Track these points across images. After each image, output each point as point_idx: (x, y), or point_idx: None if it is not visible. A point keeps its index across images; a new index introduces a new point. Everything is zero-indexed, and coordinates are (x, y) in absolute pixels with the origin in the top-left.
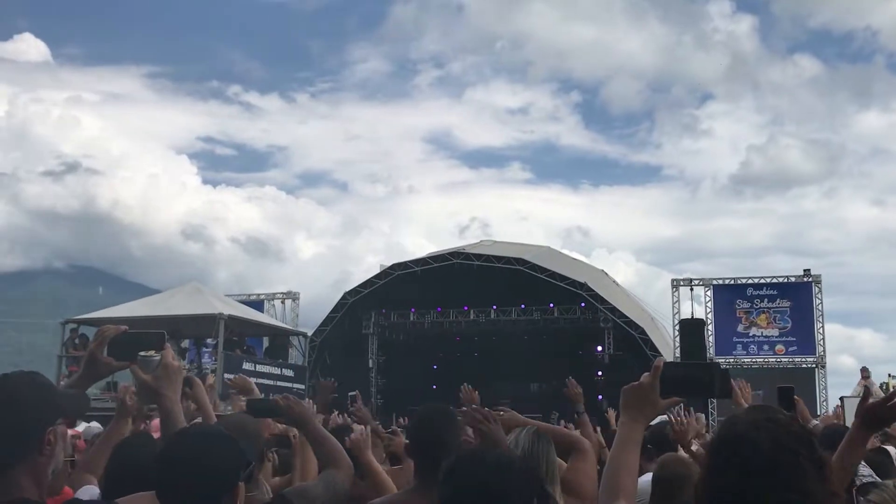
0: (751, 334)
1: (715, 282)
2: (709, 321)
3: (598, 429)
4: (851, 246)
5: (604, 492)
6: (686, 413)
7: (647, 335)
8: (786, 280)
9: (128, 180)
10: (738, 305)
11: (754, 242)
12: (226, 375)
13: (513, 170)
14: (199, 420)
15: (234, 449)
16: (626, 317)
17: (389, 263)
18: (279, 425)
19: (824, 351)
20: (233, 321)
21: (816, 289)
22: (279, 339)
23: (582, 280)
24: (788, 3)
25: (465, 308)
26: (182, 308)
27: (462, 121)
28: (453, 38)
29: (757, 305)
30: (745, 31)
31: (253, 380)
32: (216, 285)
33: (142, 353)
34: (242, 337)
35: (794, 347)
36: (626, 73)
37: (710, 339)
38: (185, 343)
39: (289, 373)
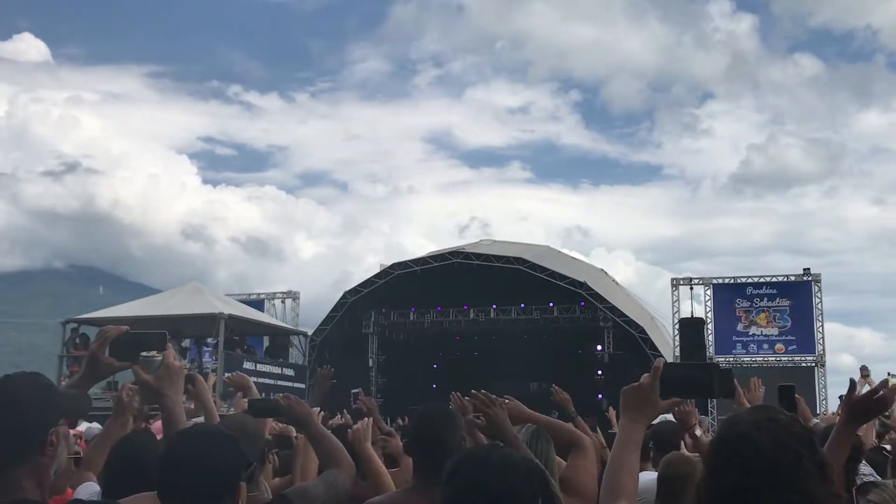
0: (750, 333)
1: (715, 281)
2: (708, 320)
3: (598, 429)
4: (851, 245)
5: (605, 492)
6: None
7: (647, 334)
8: (785, 279)
9: (128, 180)
10: (738, 304)
11: (754, 241)
12: (226, 374)
13: (513, 169)
14: (200, 420)
15: (236, 449)
16: (626, 316)
17: (389, 263)
18: (279, 424)
19: (824, 350)
20: (233, 321)
21: (816, 288)
22: (279, 338)
23: (581, 279)
24: (788, 2)
25: (465, 307)
26: (182, 308)
27: (462, 120)
28: (453, 37)
29: (757, 304)
30: (745, 31)
31: (253, 379)
32: (216, 285)
33: (144, 354)
34: (243, 336)
35: (794, 346)
36: (627, 73)
37: (710, 338)
38: (186, 343)
39: (289, 372)
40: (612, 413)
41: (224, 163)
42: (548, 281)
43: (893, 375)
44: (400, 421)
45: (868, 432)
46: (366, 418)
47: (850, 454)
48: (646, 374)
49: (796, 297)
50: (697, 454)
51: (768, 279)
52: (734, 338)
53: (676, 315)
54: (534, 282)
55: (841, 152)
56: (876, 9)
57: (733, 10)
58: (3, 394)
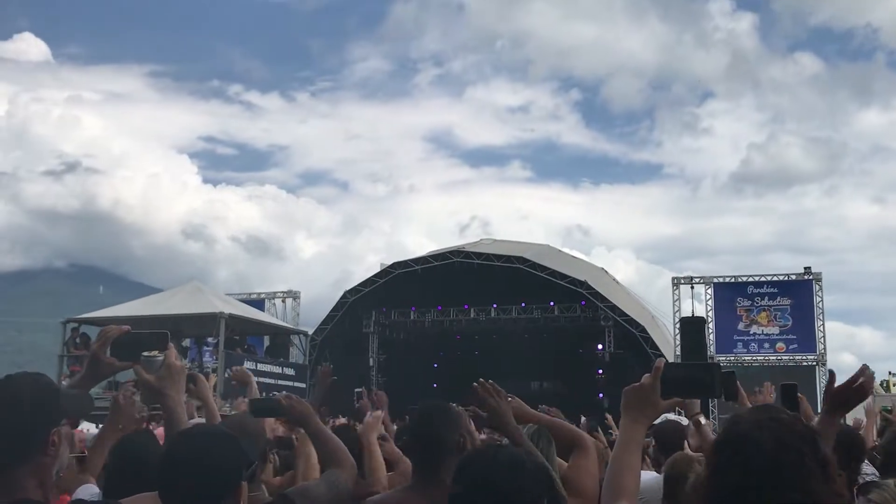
0: (751, 332)
1: (715, 280)
2: (709, 319)
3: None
4: (852, 244)
5: (606, 492)
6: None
7: (648, 333)
8: (786, 278)
9: (129, 180)
10: (739, 303)
11: (755, 240)
12: (228, 369)
13: (513, 168)
14: (200, 419)
15: (237, 449)
16: (627, 315)
17: (390, 262)
18: (282, 427)
19: (825, 349)
20: (234, 320)
21: (817, 286)
22: (280, 337)
23: (582, 278)
24: (789, 0)
25: (466, 307)
26: (183, 307)
27: (462, 119)
28: (454, 36)
29: (757, 303)
30: (745, 30)
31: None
32: (217, 284)
33: (145, 354)
34: (243, 336)
35: (795, 345)
36: (627, 72)
37: (711, 337)
38: (187, 342)
39: (290, 371)
40: (610, 420)
41: (225, 162)
42: (548, 280)
43: (894, 374)
44: (398, 422)
45: (869, 431)
46: (378, 411)
47: (853, 453)
48: (647, 375)
49: (797, 295)
50: (701, 454)
51: (769, 278)
52: (735, 337)
53: (677, 314)
54: (534, 281)
55: (841, 151)
56: (876, 7)
57: (733, 8)
58: (4, 394)
